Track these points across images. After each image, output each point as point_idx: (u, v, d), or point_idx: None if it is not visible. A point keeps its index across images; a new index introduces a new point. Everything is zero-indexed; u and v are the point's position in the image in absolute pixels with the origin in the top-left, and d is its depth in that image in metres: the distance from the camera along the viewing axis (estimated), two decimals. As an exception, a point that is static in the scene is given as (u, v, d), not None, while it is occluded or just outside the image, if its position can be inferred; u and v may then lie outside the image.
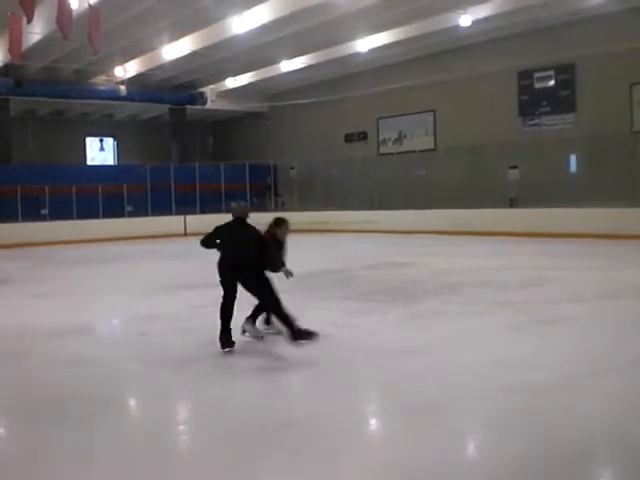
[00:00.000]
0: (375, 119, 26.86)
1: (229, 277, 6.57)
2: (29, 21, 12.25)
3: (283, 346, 6.54)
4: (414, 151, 24.92)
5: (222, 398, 5.31)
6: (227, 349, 6.51)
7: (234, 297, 6.58)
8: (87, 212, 24.09)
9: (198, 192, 27.12)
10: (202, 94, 28.64)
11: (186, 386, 5.77)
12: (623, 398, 4.91)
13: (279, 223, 7.23)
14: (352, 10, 18.07)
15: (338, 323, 7.88)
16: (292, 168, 28.65)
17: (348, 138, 28.01)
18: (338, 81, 26.63)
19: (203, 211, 25.97)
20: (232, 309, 6.57)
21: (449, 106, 23.86)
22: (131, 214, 25.74)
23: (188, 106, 29.07)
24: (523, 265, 12.93)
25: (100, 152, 33.47)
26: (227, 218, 6.88)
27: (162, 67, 24.19)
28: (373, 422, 5.01)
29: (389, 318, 8.20)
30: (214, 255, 6.76)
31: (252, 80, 27.55)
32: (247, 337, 6.92)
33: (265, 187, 28.93)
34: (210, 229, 6.86)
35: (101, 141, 33.54)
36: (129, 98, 27.01)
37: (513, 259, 14.08)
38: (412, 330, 7.59)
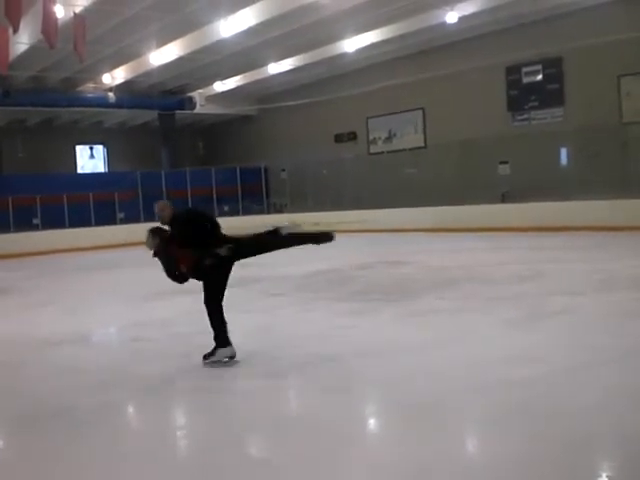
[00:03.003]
0: (364, 119, 26.86)
1: None
2: (15, 31, 12.20)
3: (281, 349, 6.53)
4: (404, 149, 24.95)
5: (220, 402, 5.32)
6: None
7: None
8: (79, 220, 24.01)
9: (190, 197, 27.03)
10: (191, 99, 28.54)
11: (184, 391, 5.76)
12: (624, 389, 4.92)
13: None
14: (338, 10, 18.06)
15: (334, 323, 7.88)
16: (283, 170, 28.62)
17: (338, 138, 27.98)
18: (326, 82, 26.61)
19: (195, 216, 25.87)
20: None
21: (438, 103, 23.87)
22: (123, 221, 25.66)
23: (177, 111, 28.94)
24: (517, 260, 12.95)
25: (90, 160, 33.32)
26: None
27: (150, 73, 24.08)
28: (372, 421, 5.01)
29: (385, 317, 8.19)
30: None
31: (240, 83, 27.52)
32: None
33: None
34: None
35: (91, 149, 33.39)
36: (118, 105, 26.87)
37: (507, 254, 14.10)
38: (409, 328, 7.59)
